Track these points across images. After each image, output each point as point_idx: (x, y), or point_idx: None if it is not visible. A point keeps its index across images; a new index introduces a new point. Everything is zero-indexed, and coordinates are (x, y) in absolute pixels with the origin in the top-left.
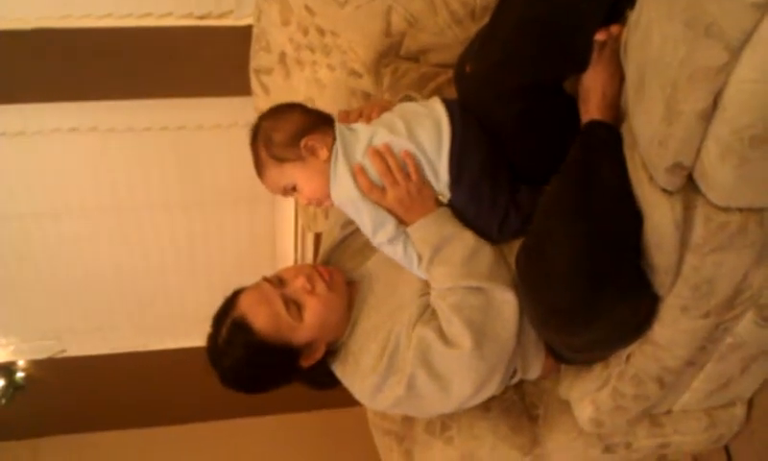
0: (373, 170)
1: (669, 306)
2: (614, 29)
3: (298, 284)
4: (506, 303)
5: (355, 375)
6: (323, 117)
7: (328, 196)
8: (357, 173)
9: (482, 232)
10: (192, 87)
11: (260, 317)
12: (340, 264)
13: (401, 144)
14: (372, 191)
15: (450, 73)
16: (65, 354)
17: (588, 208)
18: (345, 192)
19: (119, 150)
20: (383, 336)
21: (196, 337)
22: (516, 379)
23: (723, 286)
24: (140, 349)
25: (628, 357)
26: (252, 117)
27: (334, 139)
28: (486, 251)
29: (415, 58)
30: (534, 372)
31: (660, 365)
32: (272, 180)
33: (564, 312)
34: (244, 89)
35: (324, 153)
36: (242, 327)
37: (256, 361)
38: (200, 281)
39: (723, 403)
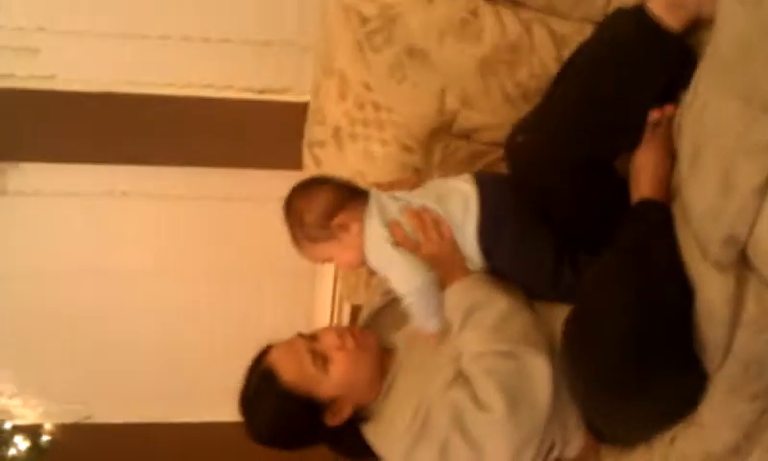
0: (408, 227)
1: (717, 386)
2: (668, 109)
3: (328, 340)
4: (537, 367)
5: (387, 438)
6: (353, 190)
7: (363, 263)
8: (393, 226)
9: (535, 291)
10: (246, 159)
11: (287, 367)
12: (378, 331)
13: (434, 210)
14: (406, 242)
15: (500, 152)
16: (92, 420)
17: (640, 284)
18: (376, 244)
19: (166, 216)
20: (417, 400)
21: (227, 411)
22: (553, 455)
23: None
24: (170, 420)
25: (672, 440)
26: None
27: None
28: (519, 316)
29: (466, 136)
30: (573, 448)
31: (705, 449)
32: (307, 254)
33: (611, 383)
34: (295, 164)
35: (355, 227)
36: (269, 377)
37: (282, 411)
38: (234, 354)
39: None
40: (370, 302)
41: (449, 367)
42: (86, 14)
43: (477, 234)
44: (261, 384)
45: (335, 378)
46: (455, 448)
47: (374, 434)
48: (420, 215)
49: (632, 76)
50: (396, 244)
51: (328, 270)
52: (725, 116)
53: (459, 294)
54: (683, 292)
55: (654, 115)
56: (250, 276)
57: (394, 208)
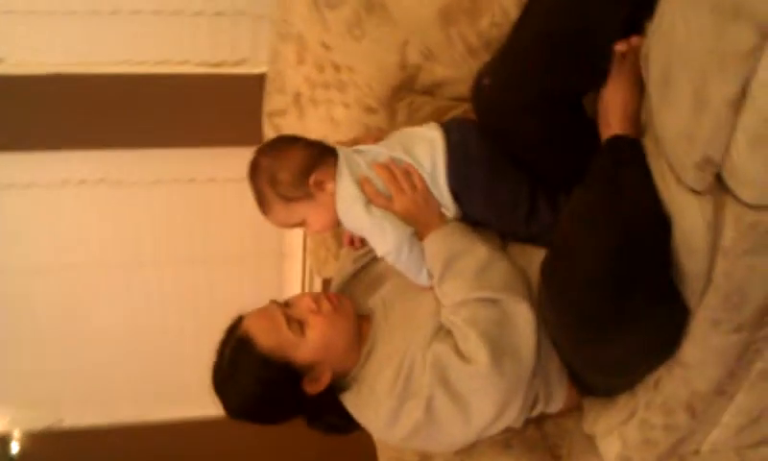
0: (379, 181)
1: (699, 320)
2: (634, 40)
3: (303, 305)
4: (521, 314)
5: (369, 404)
6: (324, 148)
7: (337, 224)
8: (363, 182)
9: (511, 233)
10: (205, 137)
11: (263, 334)
12: (352, 298)
13: (403, 160)
14: (378, 198)
15: (466, 106)
16: (63, 425)
17: (616, 216)
18: (350, 205)
19: (126, 203)
20: (398, 360)
21: (200, 407)
22: (537, 410)
23: (756, 295)
24: (142, 419)
25: (656, 383)
26: None
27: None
28: (499, 264)
29: (430, 92)
30: (556, 402)
31: (690, 389)
32: (278, 217)
33: (592, 318)
34: (256, 139)
35: (331, 185)
36: (245, 345)
37: (261, 379)
38: (205, 344)
39: (754, 442)
40: (340, 270)
41: (430, 322)
42: None
43: (447, 179)
44: (238, 353)
45: (312, 342)
46: (440, 405)
47: (356, 403)
48: (389, 168)
49: (595, 7)
50: (369, 202)
51: (297, 246)
52: (694, 31)
53: (437, 244)
54: (659, 225)
55: (619, 47)
56: (216, 259)
57: (363, 164)
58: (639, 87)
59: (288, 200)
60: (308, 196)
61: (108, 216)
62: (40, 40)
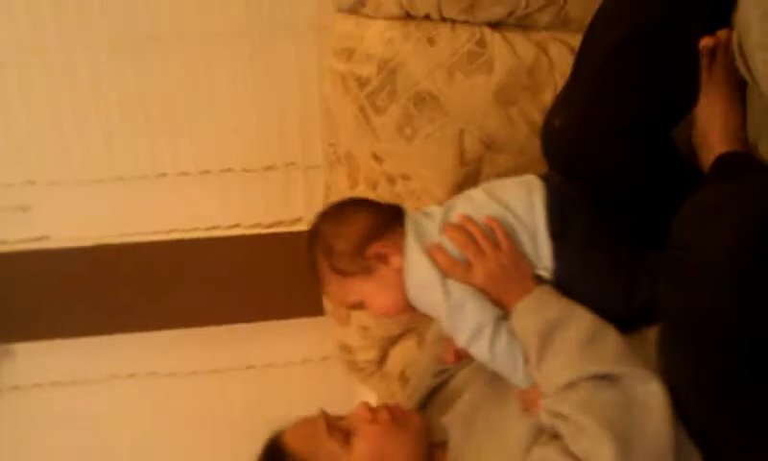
0: (453, 247)
1: None
2: (721, 33)
3: (357, 413)
4: (651, 393)
5: None
6: (395, 213)
7: (404, 308)
8: (434, 252)
9: (605, 304)
10: (263, 310)
11: (298, 441)
12: (429, 419)
13: (485, 211)
14: (454, 268)
15: None
16: None
17: (747, 210)
18: (422, 282)
19: (174, 397)
20: None
21: None
22: None
23: None
24: None
25: None
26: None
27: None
28: (609, 330)
29: None
30: None
31: None
32: (335, 295)
33: (737, 338)
34: (317, 309)
35: (396, 260)
36: (275, 453)
37: None
38: None
39: None
40: (415, 388)
41: (524, 426)
42: (78, 160)
43: (547, 224)
44: None
45: (358, 456)
46: None
47: None
48: (463, 227)
49: (669, 9)
50: (445, 275)
51: None
52: None
53: (531, 314)
54: None
55: (705, 42)
56: None
57: (433, 228)
58: (738, 95)
59: (344, 274)
60: (367, 271)
61: (165, 414)
62: (85, 212)
